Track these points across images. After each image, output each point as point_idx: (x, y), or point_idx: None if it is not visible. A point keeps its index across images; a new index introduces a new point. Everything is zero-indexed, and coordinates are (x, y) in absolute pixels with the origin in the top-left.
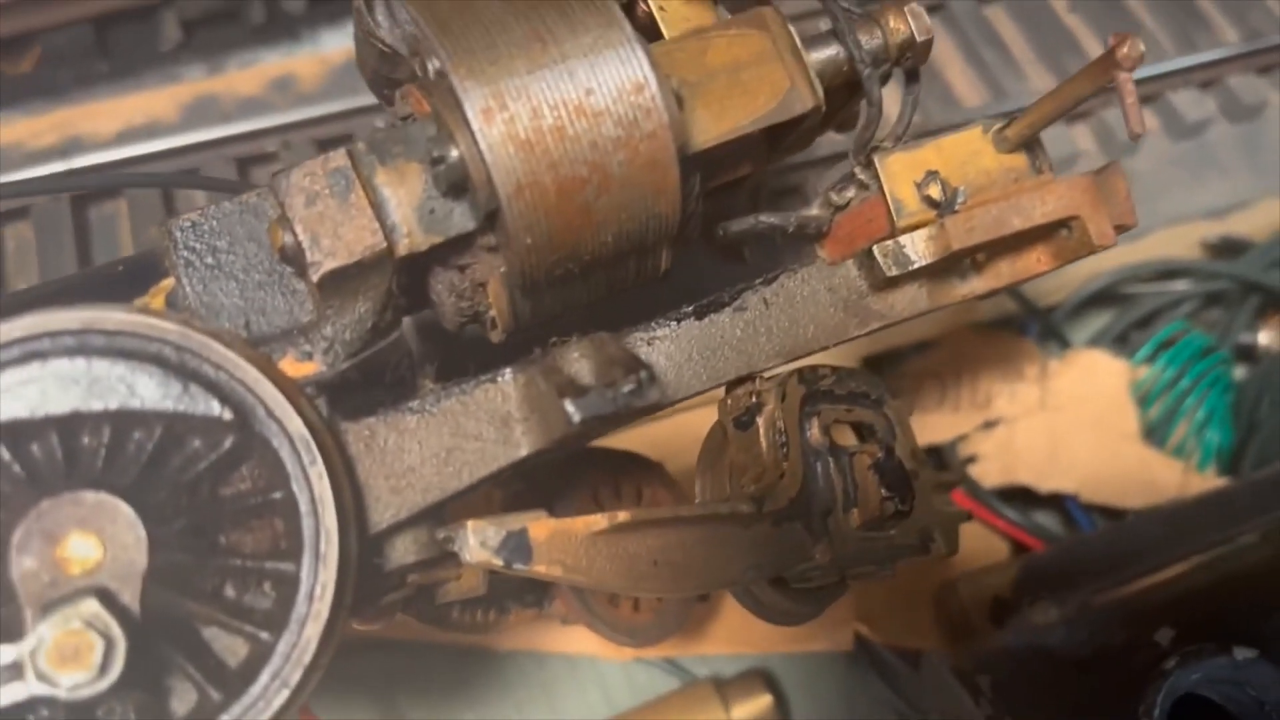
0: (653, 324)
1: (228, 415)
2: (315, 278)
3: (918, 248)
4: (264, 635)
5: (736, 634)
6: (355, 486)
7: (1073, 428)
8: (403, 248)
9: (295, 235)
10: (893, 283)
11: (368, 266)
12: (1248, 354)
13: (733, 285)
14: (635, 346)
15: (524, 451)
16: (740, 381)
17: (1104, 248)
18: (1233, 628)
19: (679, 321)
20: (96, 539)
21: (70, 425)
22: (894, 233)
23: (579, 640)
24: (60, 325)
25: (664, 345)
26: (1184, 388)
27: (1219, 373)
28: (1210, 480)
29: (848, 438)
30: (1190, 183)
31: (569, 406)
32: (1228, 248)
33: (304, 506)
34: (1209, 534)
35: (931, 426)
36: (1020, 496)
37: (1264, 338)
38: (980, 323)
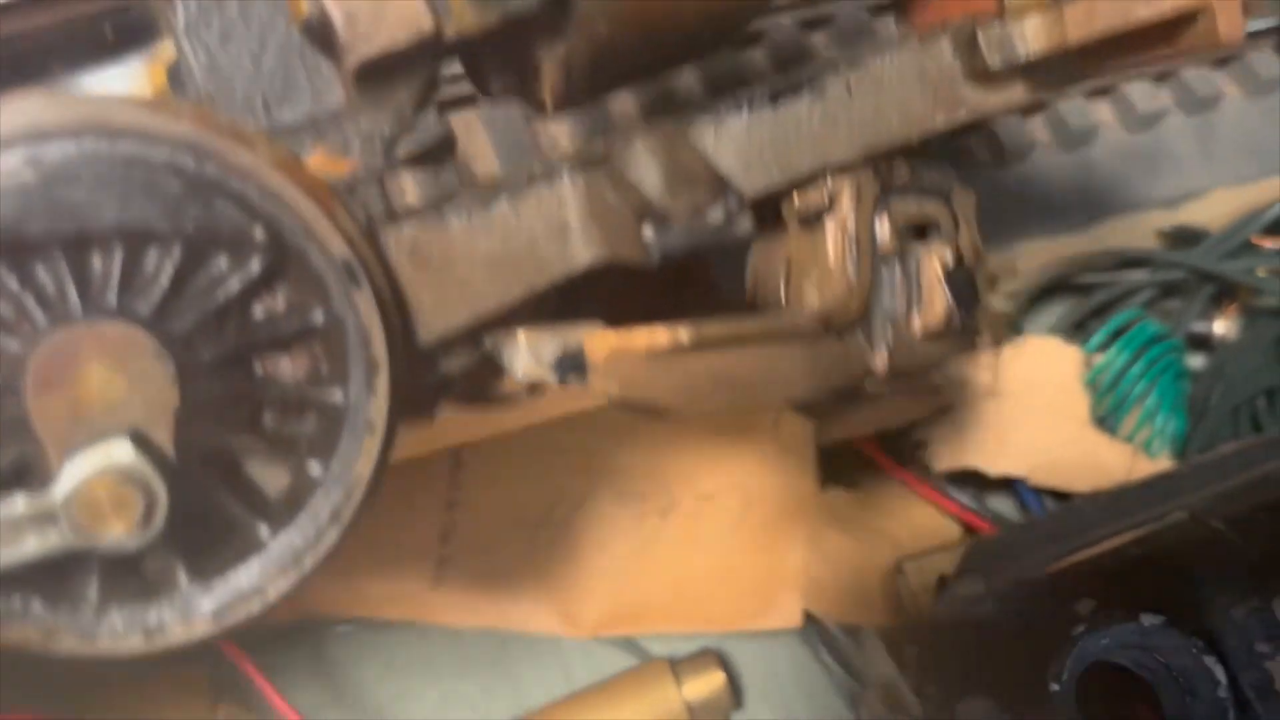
0: (720, 108)
1: (258, 233)
2: (350, 66)
3: (1028, 38)
4: (312, 465)
5: (692, 613)
6: (400, 302)
7: (1023, 413)
8: (452, 29)
9: (324, 9)
10: (993, 74)
11: (411, 52)
12: (1203, 343)
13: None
14: (701, 137)
15: (584, 262)
16: (811, 178)
17: (1230, 44)
18: (1148, 598)
19: (751, 109)
20: (121, 374)
21: (77, 245)
22: (1002, 13)
23: (541, 620)
24: (55, 122)
25: (733, 133)
26: (1135, 374)
27: (1170, 359)
28: (1159, 465)
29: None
30: (1145, 174)
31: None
32: (1183, 237)
33: (350, 336)
34: (1145, 513)
35: (886, 412)
36: (975, 481)
37: (1219, 327)
38: None
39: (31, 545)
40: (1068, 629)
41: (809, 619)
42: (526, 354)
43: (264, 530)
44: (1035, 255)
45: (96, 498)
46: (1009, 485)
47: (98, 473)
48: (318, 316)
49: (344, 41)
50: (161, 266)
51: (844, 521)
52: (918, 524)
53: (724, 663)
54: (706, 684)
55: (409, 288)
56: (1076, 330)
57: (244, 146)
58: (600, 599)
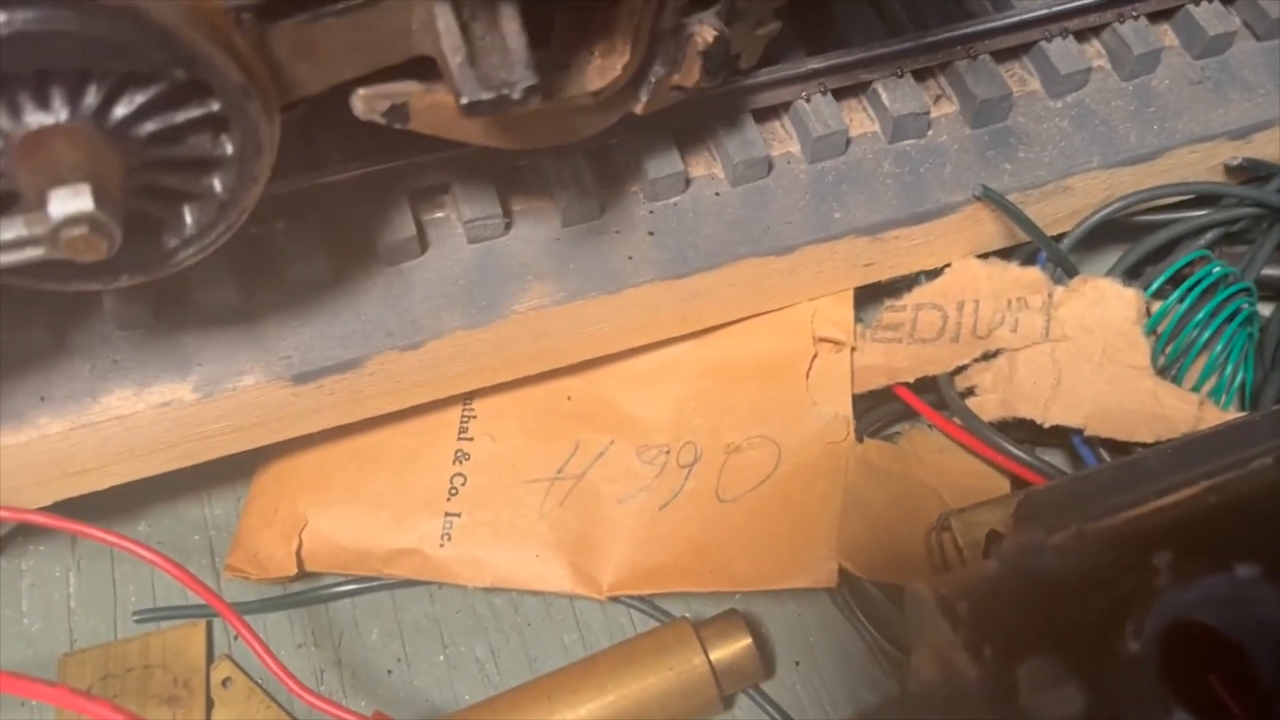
0: None
1: (177, 71)
2: None
3: None
4: (221, 194)
5: (717, 571)
6: (280, 83)
7: (1078, 359)
8: None
9: None
10: None
11: None
12: (1275, 288)
13: None
14: None
15: (420, 52)
16: None
17: None
18: (1236, 550)
19: None
20: (79, 149)
21: (42, 76)
22: None
23: (555, 579)
24: None
25: None
26: (1200, 320)
27: (1240, 303)
28: (1229, 418)
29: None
30: (1212, 102)
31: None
32: (1254, 172)
33: (246, 128)
34: (1221, 461)
35: (925, 358)
36: (1026, 432)
37: None
38: (987, 252)
39: (26, 254)
40: (1146, 583)
41: (844, 578)
42: (364, 106)
43: (188, 224)
44: (1091, 190)
45: (75, 242)
46: (1061, 438)
47: (73, 215)
48: (220, 112)
49: None
50: (101, 86)
51: (882, 474)
52: (962, 477)
53: (750, 626)
54: (732, 648)
55: (285, 65)
56: (1133, 275)
57: (169, 8)
58: (619, 557)
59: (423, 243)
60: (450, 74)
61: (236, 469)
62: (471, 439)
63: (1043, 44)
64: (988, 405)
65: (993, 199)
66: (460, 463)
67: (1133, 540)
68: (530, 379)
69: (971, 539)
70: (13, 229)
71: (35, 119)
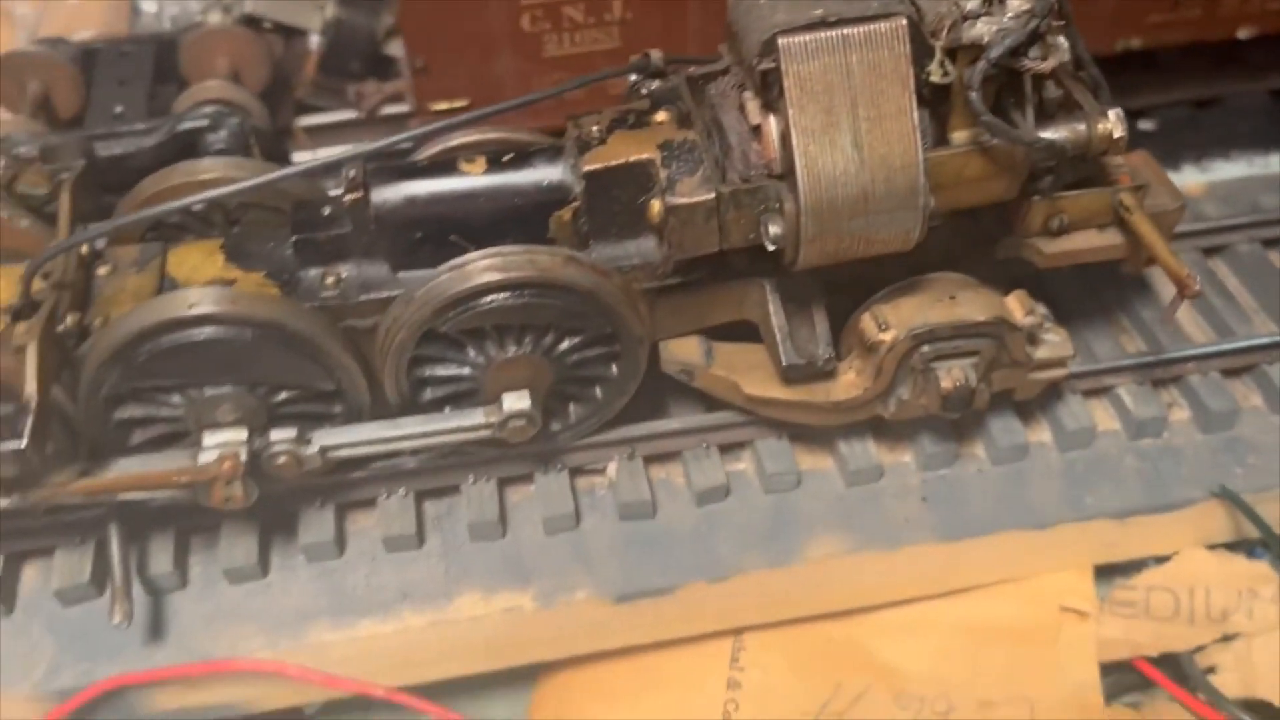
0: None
1: (606, 326)
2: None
3: None
4: (604, 403)
5: None
6: (652, 330)
7: None
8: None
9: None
10: None
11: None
12: None
13: None
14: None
15: (746, 318)
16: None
17: None
18: None
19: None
20: (527, 371)
21: (520, 328)
22: None
23: None
24: (516, 276)
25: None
26: None
27: None
28: None
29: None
30: None
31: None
32: None
33: (633, 360)
34: None
35: (1165, 636)
36: (1260, 714)
37: None
38: (1212, 544)
39: (480, 435)
40: None
41: None
42: (665, 363)
43: (571, 417)
44: None
45: (514, 430)
46: None
47: (517, 411)
48: (619, 350)
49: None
50: (556, 334)
51: None
52: None
53: None
54: None
55: (661, 321)
56: None
57: (607, 281)
58: None
59: (726, 490)
60: (774, 342)
61: (511, 674)
62: (743, 669)
63: (1264, 366)
64: (1229, 683)
65: (1231, 499)
66: (733, 689)
67: None
68: (796, 619)
69: None
70: (476, 417)
71: (509, 351)
